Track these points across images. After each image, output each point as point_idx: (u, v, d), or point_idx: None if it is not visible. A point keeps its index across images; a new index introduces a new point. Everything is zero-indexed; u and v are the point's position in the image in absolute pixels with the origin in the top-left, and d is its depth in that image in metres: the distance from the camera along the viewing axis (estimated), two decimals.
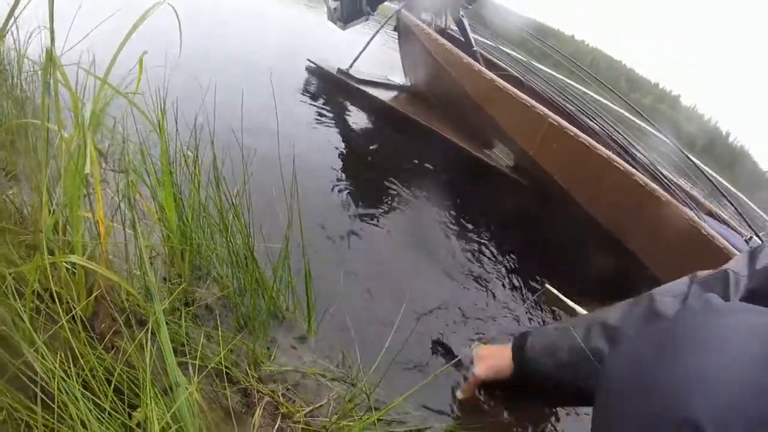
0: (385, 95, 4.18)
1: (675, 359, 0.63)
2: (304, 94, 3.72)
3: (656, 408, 0.61)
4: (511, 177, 3.39)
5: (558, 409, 1.43)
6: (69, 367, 0.75)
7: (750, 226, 2.86)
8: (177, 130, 1.21)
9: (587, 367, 1.12)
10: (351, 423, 1.00)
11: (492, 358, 1.33)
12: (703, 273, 1.12)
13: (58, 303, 0.85)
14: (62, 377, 0.70)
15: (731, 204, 3.15)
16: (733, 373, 0.58)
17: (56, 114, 0.94)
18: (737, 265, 1.07)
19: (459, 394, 1.30)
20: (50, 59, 0.88)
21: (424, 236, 2.18)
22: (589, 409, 1.37)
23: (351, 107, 3.90)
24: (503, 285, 2.04)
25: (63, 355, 0.78)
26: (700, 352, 0.62)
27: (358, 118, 3.73)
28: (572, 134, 2.72)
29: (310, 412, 1.03)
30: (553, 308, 2.03)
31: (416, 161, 3.18)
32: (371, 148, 3.27)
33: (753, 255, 1.07)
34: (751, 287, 1.03)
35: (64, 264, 0.92)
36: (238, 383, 1.02)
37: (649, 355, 0.69)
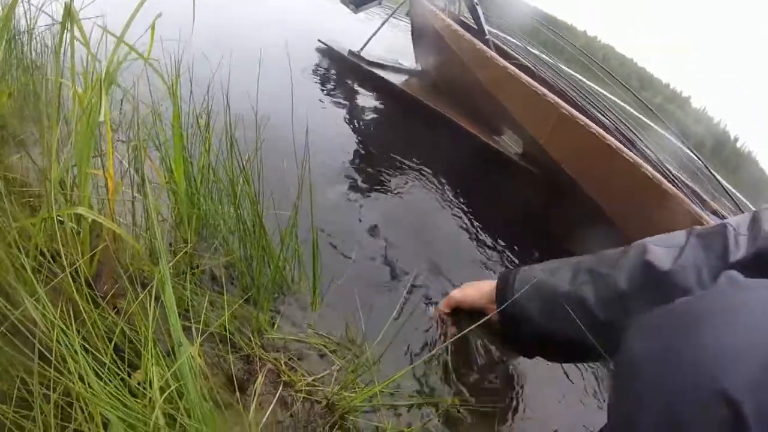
0: (395, 79, 4.16)
1: (702, 333, 0.61)
2: (314, 74, 3.70)
3: (684, 385, 0.59)
4: (519, 164, 3.36)
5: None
6: (70, 322, 0.74)
7: None
8: (191, 92, 1.19)
9: (569, 312, 1.03)
10: (353, 394, 0.99)
11: (472, 287, 1.29)
12: (700, 227, 1.04)
13: (63, 259, 0.84)
14: (62, 329, 0.69)
15: (736, 204, 3.13)
16: (766, 344, 0.56)
17: (71, 71, 0.93)
18: (737, 222, 0.99)
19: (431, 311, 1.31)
20: (69, 14, 0.87)
21: (431, 216, 2.17)
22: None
23: (361, 89, 3.88)
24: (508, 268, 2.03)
25: (64, 309, 0.77)
26: (729, 325, 0.60)
27: (367, 100, 3.71)
28: (583, 124, 2.70)
29: (312, 381, 1.02)
30: None
31: (425, 144, 3.17)
32: (380, 129, 3.26)
33: (756, 215, 0.99)
34: (757, 249, 0.94)
35: (70, 224, 0.91)
36: (241, 350, 1.01)
37: (673, 332, 0.66)
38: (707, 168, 3.33)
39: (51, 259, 0.88)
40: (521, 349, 1.28)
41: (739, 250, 0.94)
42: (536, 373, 1.39)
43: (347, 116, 3.02)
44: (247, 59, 1.44)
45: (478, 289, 1.27)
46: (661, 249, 1.01)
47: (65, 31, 0.87)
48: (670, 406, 0.59)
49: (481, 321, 1.12)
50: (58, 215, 0.87)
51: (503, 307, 1.16)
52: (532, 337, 1.16)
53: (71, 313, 0.77)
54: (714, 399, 0.54)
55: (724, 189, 3.26)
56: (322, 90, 3.35)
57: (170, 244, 1.20)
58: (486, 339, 1.28)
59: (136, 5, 0.95)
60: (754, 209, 1.05)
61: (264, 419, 0.91)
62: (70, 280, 0.80)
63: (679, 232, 1.05)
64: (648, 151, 3.10)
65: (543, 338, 1.14)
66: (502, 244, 2.22)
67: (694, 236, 1.00)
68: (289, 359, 1.05)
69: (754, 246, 0.93)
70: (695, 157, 3.42)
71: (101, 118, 0.76)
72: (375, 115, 3.46)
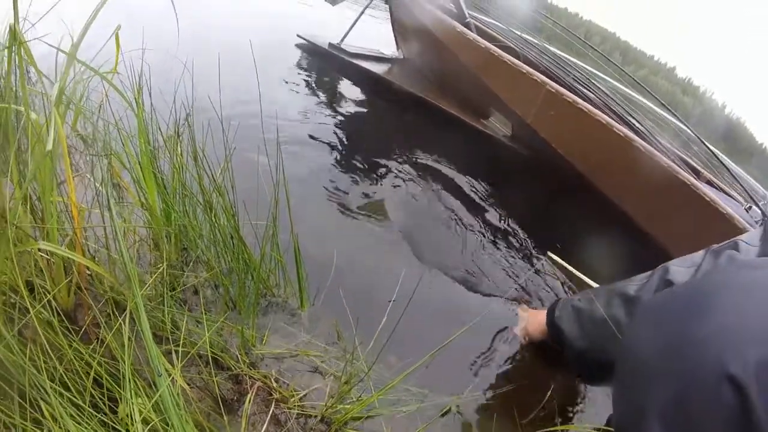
0: (378, 68, 4.10)
1: (704, 315, 0.61)
2: (294, 71, 3.64)
3: (690, 370, 0.58)
4: (509, 146, 3.34)
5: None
6: (42, 363, 0.70)
7: (750, 195, 2.82)
8: (152, 108, 1.14)
9: (605, 336, 1.15)
10: (348, 405, 0.96)
11: (533, 318, 1.50)
12: (718, 245, 1.12)
13: (30, 294, 0.80)
14: (33, 373, 0.65)
15: (729, 172, 3.11)
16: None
17: (23, 93, 0.88)
18: (749, 236, 1.07)
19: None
20: (14, 36, 0.83)
21: (419, 208, 2.12)
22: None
23: (343, 82, 3.82)
24: (503, 255, 1.99)
25: (36, 349, 0.73)
26: (731, 306, 0.60)
27: (351, 92, 3.65)
28: (570, 101, 2.67)
29: (305, 396, 0.99)
30: (555, 275, 2.00)
31: (411, 133, 3.12)
32: (364, 121, 3.22)
33: (767, 228, 1.08)
34: (764, 251, 1.01)
35: (42, 255, 0.88)
36: (228, 369, 0.98)
37: (674, 315, 0.66)
38: (699, 138, 3.31)
39: (27, 292, 0.84)
40: (577, 371, 1.40)
41: (748, 256, 1.00)
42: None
43: (330, 111, 2.97)
44: (217, 63, 1.40)
45: (534, 321, 1.49)
46: (681, 269, 1.10)
47: (12, 53, 0.83)
48: (678, 390, 0.59)
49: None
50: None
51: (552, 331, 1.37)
52: (577, 357, 1.29)
53: (46, 351, 0.74)
54: (721, 383, 0.54)
55: (716, 158, 3.24)
56: (303, 87, 3.29)
57: (150, 264, 1.16)
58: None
59: (90, 18, 0.91)
60: (750, 215, 1.15)
61: None
62: (43, 316, 0.76)
63: (699, 253, 1.14)
64: (637, 124, 3.07)
65: (586, 358, 1.27)
66: (498, 228, 2.19)
67: (709, 254, 1.09)
68: (280, 374, 1.02)
69: (762, 250, 1.01)
70: (685, 128, 3.40)
71: (48, 147, 0.71)
72: (358, 108, 3.41)
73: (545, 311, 1.45)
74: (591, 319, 1.24)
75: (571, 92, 2.80)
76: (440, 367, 1.24)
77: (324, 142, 2.46)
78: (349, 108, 3.25)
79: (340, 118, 2.94)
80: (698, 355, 0.58)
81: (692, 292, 0.68)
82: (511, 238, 2.17)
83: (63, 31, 1.16)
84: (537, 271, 1.97)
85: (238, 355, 1.00)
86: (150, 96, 1.13)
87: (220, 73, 1.18)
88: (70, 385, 0.73)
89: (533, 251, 2.15)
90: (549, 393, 1.28)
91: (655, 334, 0.67)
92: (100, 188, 1.03)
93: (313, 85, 3.42)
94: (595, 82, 3.57)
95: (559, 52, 4.59)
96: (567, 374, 1.44)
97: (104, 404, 0.74)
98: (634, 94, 4.54)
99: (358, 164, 2.36)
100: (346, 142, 2.60)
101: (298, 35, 4.32)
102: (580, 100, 2.67)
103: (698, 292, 0.66)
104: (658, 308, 0.73)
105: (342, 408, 0.96)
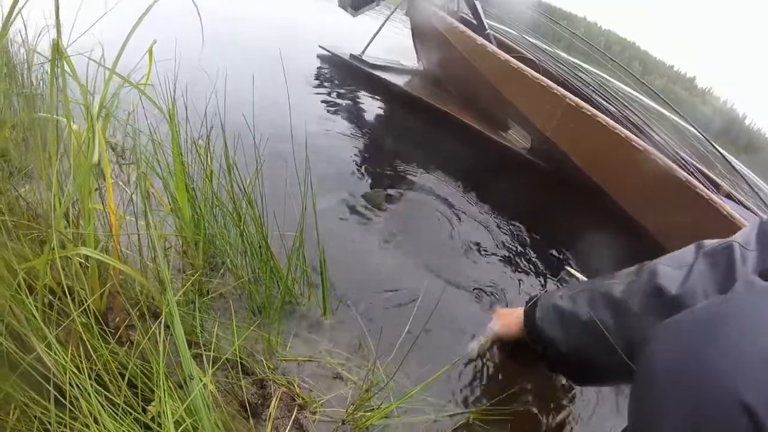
0: (399, 80, 4.13)
1: (722, 341, 0.62)
2: (316, 81, 3.69)
3: (706, 395, 0.59)
4: (528, 159, 3.35)
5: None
6: (81, 362, 0.74)
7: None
8: (187, 118, 1.19)
9: (591, 339, 1.09)
10: (369, 413, 0.98)
11: (505, 317, 1.39)
12: (709, 242, 1.06)
13: (70, 297, 0.84)
14: (74, 372, 0.69)
15: (748, 185, 3.09)
16: None
17: (65, 106, 0.93)
18: (744, 237, 1.00)
19: (471, 347, 1.34)
20: (57, 50, 0.87)
21: (441, 220, 2.14)
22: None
23: (364, 92, 3.86)
24: (522, 268, 2.00)
25: (75, 349, 0.77)
26: (749, 332, 0.60)
27: (371, 104, 3.69)
28: (589, 114, 2.68)
29: (326, 402, 1.01)
30: None
31: (432, 145, 3.14)
32: (385, 132, 3.24)
33: (763, 230, 0.99)
34: (763, 258, 0.95)
35: (78, 258, 0.91)
36: (254, 374, 1.01)
37: (693, 339, 0.66)
38: (716, 149, 3.30)
39: (63, 294, 0.88)
40: (560, 371, 1.34)
41: (746, 266, 0.94)
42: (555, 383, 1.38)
43: (351, 122, 3.00)
44: (248, 76, 1.43)
45: (513, 319, 1.36)
46: (671, 270, 1.03)
47: (56, 66, 0.87)
48: (692, 414, 0.60)
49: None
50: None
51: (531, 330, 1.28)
52: (559, 359, 1.23)
53: (84, 352, 0.77)
54: (735, 410, 0.55)
55: (735, 170, 3.22)
56: (325, 98, 3.34)
57: (179, 270, 1.19)
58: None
59: (128, 35, 0.95)
60: (759, 219, 1.04)
61: None
62: (81, 319, 0.80)
63: (689, 249, 1.07)
64: (656, 137, 3.07)
65: (570, 361, 1.21)
66: (518, 241, 2.20)
67: (701, 256, 1.02)
68: (303, 380, 1.04)
69: (763, 264, 0.93)
70: (704, 139, 3.38)
71: (94, 160, 0.75)
72: (379, 120, 3.45)
73: (517, 311, 1.37)
74: (575, 321, 1.16)
75: (590, 104, 2.81)
76: (460, 377, 1.26)
77: (347, 154, 2.50)
78: (367, 120, 3.29)
79: (363, 128, 2.98)
80: (715, 382, 0.59)
81: (712, 317, 0.69)
82: (531, 252, 2.17)
83: (92, 41, 1.21)
84: (557, 284, 1.98)
85: (264, 361, 1.03)
86: (186, 108, 1.17)
87: (254, 88, 1.21)
88: (108, 384, 0.76)
89: (555, 263, 2.16)
90: (564, 405, 1.30)
91: (674, 356, 0.68)
92: (133, 196, 1.07)
93: (335, 95, 3.46)
94: (613, 93, 3.57)
95: (578, 61, 4.59)
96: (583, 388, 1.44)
97: (137, 404, 0.78)
98: (653, 104, 4.53)
99: (381, 176, 2.39)
100: (368, 154, 2.64)
101: (320, 46, 4.38)
102: (599, 113, 2.68)
103: (718, 317, 0.67)
104: (677, 330, 0.74)
105: (362, 415, 0.98)
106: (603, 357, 1.08)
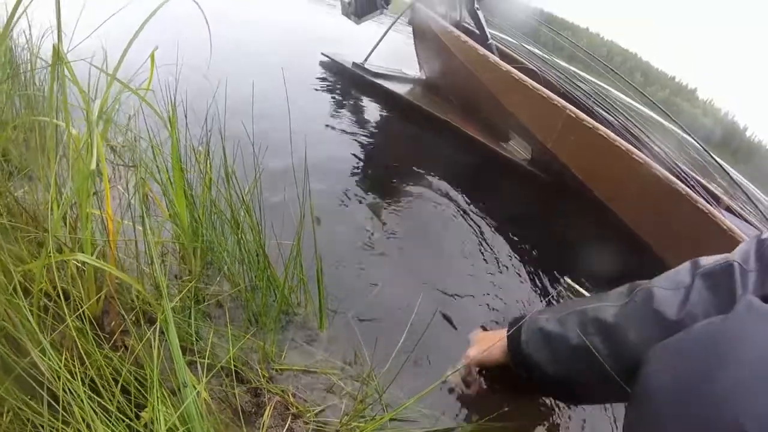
0: (400, 88, 4.14)
1: (722, 368, 0.62)
2: (318, 89, 3.70)
3: (704, 417, 0.60)
4: (528, 170, 3.34)
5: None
6: (75, 367, 0.74)
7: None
8: (187, 125, 1.19)
9: (581, 364, 1.07)
10: (362, 424, 0.98)
11: (486, 342, 1.33)
12: (705, 261, 1.02)
13: (64, 302, 0.83)
14: (67, 378, 0.69)
15: (748, 197, 3.09)
16: None
17: (65, 111, 0.93)
18: (742, 255, 0.97)
19: (449, 372, 1.29)
20: (57, 55, 0.87)
21: (440, 232, 2.13)
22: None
23: (366, 101, 3.86)
24: (521, 280, 2.00)
25: (69, 354, 0.77)
26: (748, 361, 0.60)
27: (373, 112, 3.70)
28: (590, 126, 2.68)
29: (321, 412, 1.01)
30: (572, 300, 1.99)
31: (432, 155, 3.15)
32: (386, 141, 3.24)
33: (761, 247, 0.96)
34: (763, 279, 0.91)
35: (74, 262, 0.91)
36: (249, 383, 1.01)
37: (692, 364, 0.66)
38: (716, 161, 3.30)
39: (58, 298, 0.88)
40: (550, 395, 1.34)
41: (747, 289, 0.92)
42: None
43: (352, 131, 3.00)
44: (248, 83, 1.44)
45: (495, 344, 1.29)
46: (667, 293, 0.99)
47: (55, 72, 0.87)
48: None
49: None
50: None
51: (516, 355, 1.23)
52: (545, 382, 1.20)
53: (78, 356, 0.77)
54: (730, 430, 0.56)
55: (736, 183, 3.23)
56: (326, 105, 3.35)
57: (176, 277, 1.19)
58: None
59: (129, 42, 0.95)
60: (757, 235, 1.01)
61: None
62: (76, 324, 0.79)
63: (684, 267, 1.04)
64: (657, 149, 3.08)
65: (557, 384, 1.19)
66: (517, 253, 2.19)
67: (699, 277, 0.99)
68: (297, 389, 1.04)
69: (763, 287, 0.90)
70: (705, 151, 3.38)
71: (92, 166, 0.75)
72: (379, 129, 3.44)
73: (498, 334, 1.33)
74: (564, 344, 1.12)
75: (591, 116, 2.81)
76: (455, 390, 1.26)
77: (347, 163, 2.49)
78: (368, 129, 3.28)
79: (363, 137, 2.98)
80: (715, 408, 0.59)
81: (711, 341, 0.68)
82: (530, 263, 2.17)
83: (97, 43, 1.21)
84: (556, 296, 1.97)
85: (258, 369, 1.03)
86: (185, 115, 1.17)
87: (253, 96, 1.21)
88: (101, 390, 0.76)
89: (555, 274, 2.15)
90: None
91: (673, 380, 0.68)
92: (131, 201, 1.07)
93: (337, 103, 3.47)
94: (614, 104, 3.57)
95: (579, 72, 4.60)
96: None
97: (130, 410, 0.78)
98: (654, 114, 4.54)
99: (381, 186, 2.39)
100: (368, 163, 2.64)
101: (322, 53, 4.39)
102: (600, 126, 2.68)
103: (717, 341, 0.67)
104: (676, 353, 0.74)
105: (356, 426, 0.98)
106: (594, 380, 1.06)
